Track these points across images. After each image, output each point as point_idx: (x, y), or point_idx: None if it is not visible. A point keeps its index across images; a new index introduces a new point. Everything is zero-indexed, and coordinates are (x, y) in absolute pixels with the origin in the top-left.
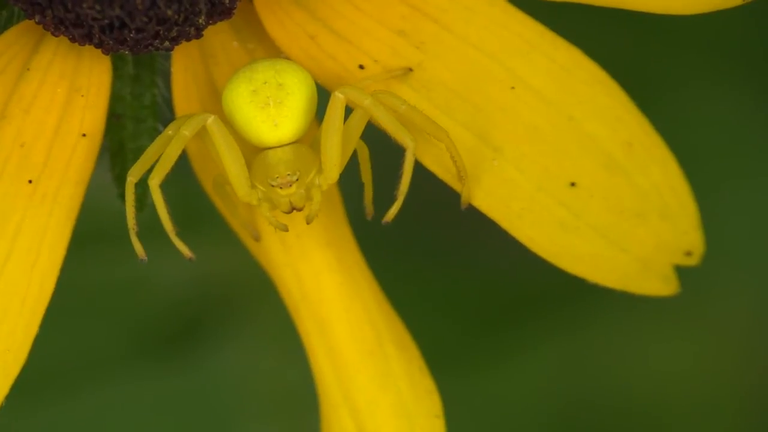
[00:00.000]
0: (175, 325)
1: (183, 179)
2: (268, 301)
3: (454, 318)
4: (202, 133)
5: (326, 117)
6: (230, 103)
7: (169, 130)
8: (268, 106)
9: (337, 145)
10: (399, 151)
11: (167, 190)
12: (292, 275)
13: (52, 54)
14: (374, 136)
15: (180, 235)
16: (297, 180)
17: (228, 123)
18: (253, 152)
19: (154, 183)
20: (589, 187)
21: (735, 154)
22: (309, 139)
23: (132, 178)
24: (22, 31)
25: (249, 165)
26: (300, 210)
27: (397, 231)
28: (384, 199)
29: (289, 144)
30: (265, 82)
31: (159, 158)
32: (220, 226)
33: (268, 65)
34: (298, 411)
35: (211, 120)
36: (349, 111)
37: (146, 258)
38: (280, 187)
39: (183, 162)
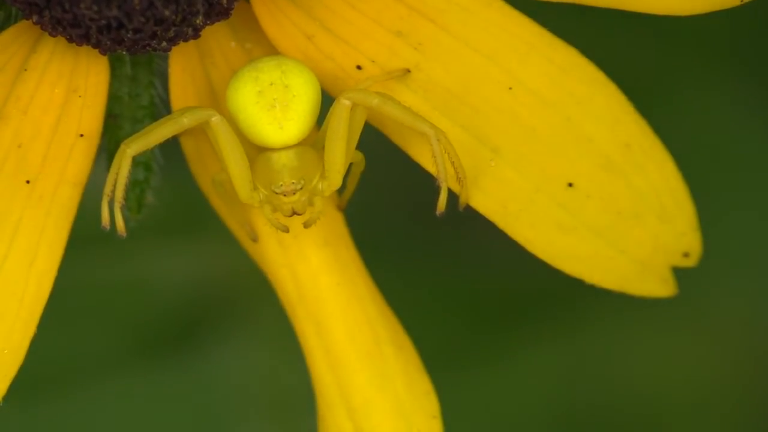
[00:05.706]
0: (173, 325)
1: (183, 180)
2: (266, 302)
3: (452, 318)
4: (206, 131)
5: (331, 124)
6: (235, 103)
7: (175, 115)
8: (274, 109)
9: (341, 153)
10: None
11: (167, 191)
12: (290, 275)
13: (49, 54)
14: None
15: (180, 235)
16: (301, 189)
17: (231, 121)
18: (254, 150)
19: (129, 151)
20: (587, 188)
21: (733, 155)
22: (311, 140)
23: (125, 146)
24: (20, 32)
25: (251, 163)
26: (301, 215)
27: (395, 231)
28: (383, 204)
29: (293, 146)
30: (272, 84)
31: (149, 134)
32: (219, 227)
33: (274, 65)
34: (296, 411)
35: (216, 119)
36: None
37: (108, 227)
38: (284, 195)
39: (183, 163)
